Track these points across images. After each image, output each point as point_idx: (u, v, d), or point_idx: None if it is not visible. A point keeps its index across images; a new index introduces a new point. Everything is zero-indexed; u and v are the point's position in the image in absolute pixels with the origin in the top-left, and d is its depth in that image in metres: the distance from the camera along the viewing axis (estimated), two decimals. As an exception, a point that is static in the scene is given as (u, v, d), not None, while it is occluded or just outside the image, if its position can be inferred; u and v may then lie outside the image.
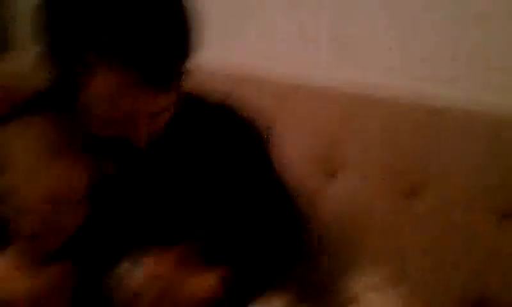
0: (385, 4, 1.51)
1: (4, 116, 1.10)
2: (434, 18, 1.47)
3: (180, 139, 1.10)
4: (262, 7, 1.67)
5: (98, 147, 0.99)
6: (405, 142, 1.41)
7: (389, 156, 1.41)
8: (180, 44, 0.93)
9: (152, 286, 0.98)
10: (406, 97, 1.42)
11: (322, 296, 1.18)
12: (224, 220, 1.13)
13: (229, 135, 1.16)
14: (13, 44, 2.15)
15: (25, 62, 1.42)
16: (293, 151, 1.40)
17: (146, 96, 0.92)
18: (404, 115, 1.42)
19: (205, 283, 1.06)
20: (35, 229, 0.98)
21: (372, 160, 1.42)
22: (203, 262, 1.05)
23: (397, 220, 1.39)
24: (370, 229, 1.41)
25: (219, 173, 1.14)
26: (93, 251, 1.04)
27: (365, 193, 1.42)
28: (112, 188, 1.04)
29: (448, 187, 1.35)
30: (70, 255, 1.01)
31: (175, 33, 0.92)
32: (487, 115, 1.36)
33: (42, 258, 1.01)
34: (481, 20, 1.42)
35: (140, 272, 0.98)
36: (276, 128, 1.31)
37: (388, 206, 1.40)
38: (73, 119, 0.99)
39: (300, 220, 1.25)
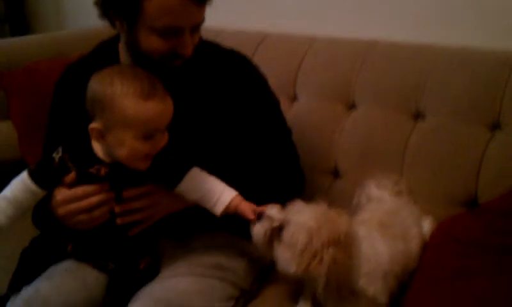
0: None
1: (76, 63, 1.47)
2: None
3: (197, 72, 1.41)
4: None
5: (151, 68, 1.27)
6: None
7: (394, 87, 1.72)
8: None
9: None
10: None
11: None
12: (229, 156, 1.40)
13: (239, 75, 1.47)
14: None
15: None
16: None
17: (193, 8, 1.24)
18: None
19: None
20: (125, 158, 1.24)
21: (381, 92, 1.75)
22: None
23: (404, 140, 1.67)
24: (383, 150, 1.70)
25: (229, 108, 1.43)
26: None
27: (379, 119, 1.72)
28: None
29: (444, 108, 1.62)
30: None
31: None
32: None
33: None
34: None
35: None
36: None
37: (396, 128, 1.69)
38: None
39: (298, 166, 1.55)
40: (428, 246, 1.36)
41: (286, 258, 1.18)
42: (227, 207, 1.27)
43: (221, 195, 1.28)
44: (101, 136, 1.23)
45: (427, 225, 1.42)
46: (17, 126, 2.15)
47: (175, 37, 1.27)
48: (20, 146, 2.11)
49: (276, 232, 1.21)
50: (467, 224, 1.35)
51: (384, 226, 1.34)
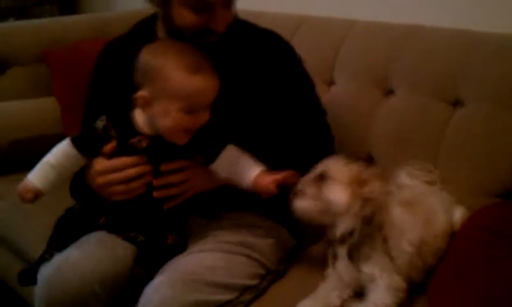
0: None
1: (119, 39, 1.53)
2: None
3: (233, 50, 1.43)
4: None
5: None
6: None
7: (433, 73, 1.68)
8: None
9: None
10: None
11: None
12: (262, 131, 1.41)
13: (275, 54, 1.48)
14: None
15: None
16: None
17: None
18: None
19: None
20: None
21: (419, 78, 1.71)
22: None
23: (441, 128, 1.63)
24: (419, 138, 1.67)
25: (264, 85, 1.44)
26: None
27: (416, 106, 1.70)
28: None
29: (483, 95, 1.57)
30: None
31: None
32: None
33: None
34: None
35: None
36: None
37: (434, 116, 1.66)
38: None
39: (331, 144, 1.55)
40: (457, 235, 1.34)
41: (337, 191, 1.23)
42: (252, 184, 1.29)
43: (247, 172, 1.29)
44: (147, 104, 1.26)
45: (458, 214, 1.39)
46: (60, 102, 2.22)
47: (207, 12, 1.30)
48: (63, 121, 2.19)
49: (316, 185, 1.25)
50: (499, 215, 1.32)
51: (407, 203, 1.33)
